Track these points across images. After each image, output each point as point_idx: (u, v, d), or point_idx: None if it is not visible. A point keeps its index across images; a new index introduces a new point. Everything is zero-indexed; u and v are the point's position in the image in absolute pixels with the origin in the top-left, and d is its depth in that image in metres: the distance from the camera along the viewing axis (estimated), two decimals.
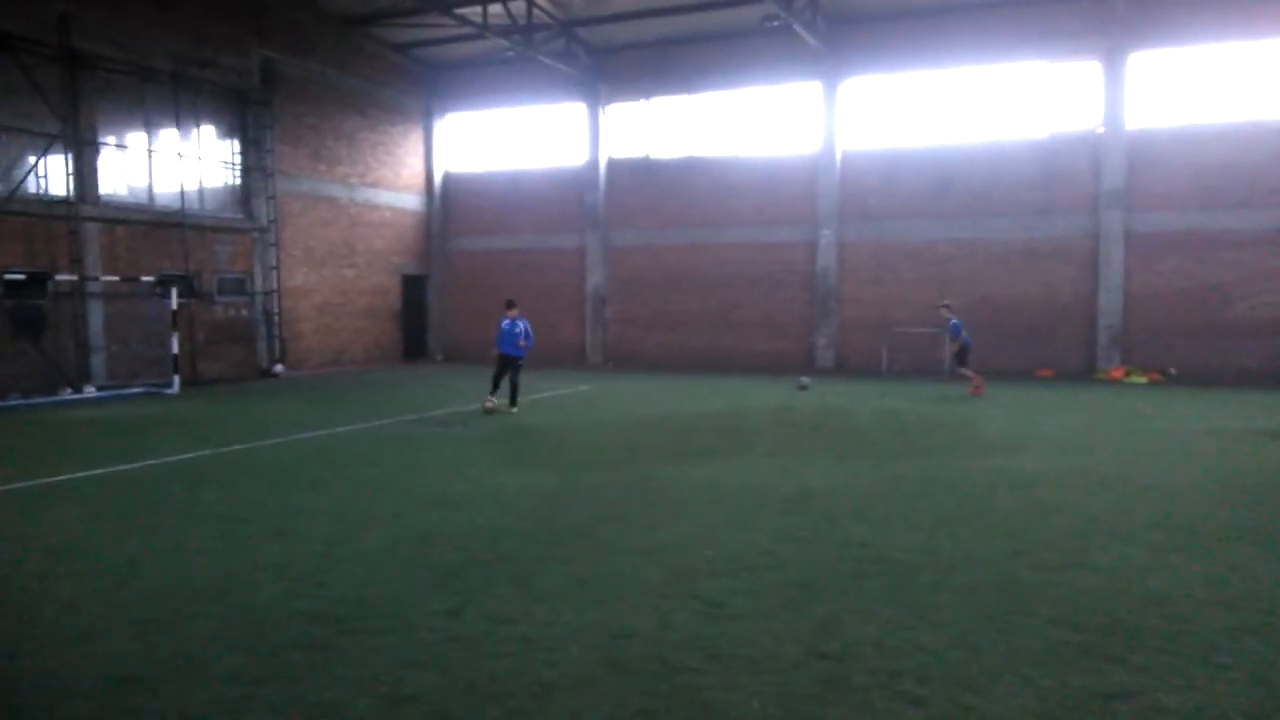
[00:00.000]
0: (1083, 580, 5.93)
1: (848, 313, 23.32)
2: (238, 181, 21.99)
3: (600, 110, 25.49)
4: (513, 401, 14.64)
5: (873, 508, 8.00)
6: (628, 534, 7.13)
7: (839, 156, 23.05)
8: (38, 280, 16.31)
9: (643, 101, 25.30)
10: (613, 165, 25.68)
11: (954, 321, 17.99)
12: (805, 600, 5.52)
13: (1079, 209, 21.11)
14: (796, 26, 20.54)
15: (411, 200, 27.15)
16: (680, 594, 5.64)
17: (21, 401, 15.89)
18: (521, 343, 14.59)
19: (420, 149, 27.44)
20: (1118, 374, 20.28)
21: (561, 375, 21.63)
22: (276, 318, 22.42)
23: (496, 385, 14.71)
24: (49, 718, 4.04)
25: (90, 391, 17.45)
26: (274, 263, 22.31)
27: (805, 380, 18.74)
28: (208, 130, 21.30)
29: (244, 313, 21.84)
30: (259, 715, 4.05)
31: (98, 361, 18.36)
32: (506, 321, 14.63)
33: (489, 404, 14.59)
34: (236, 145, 21.86)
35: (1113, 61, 20.59)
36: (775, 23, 20.49)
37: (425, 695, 4.23)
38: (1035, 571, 6.11)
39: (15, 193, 16.89)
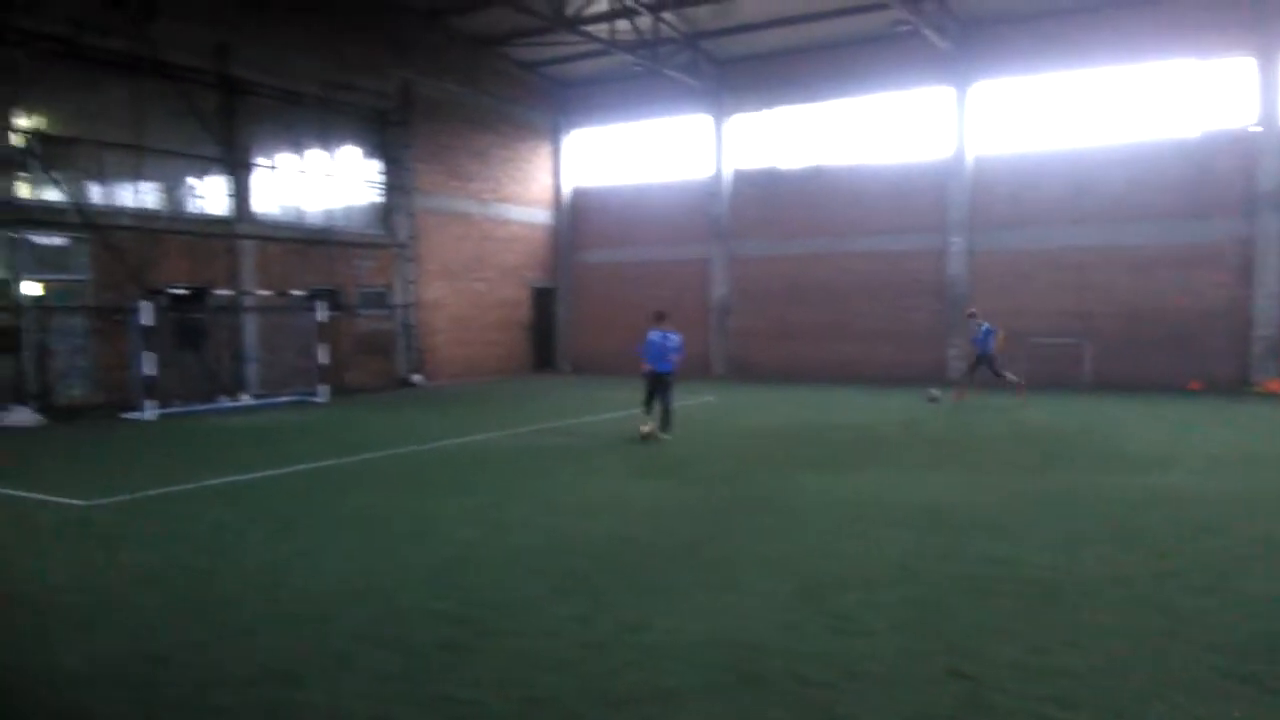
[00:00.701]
0: (1240, 605, 5.61)
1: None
2: (379, 199, 23.00)
3: (724, 122, 25.54)
4: (665, 425, 12.96)
5: (1009, 524, 7.75)
6: (754, 545, 7.13)
7: (970, 162, 22.42)
8: (199, 295, 17.45)
9: (766, 112, 25.22)
10: (737, 176, 25.68)
11: (985, 327, 17.72)
12: (939, 618, 5.41)
13: (1231, 212, 19.88)
14: (925, 30, 20.12)
15: (541, 215, 27.80)
16: (809, 607, 5.61)
17: (184, 409, 17.01)
18: (673, 357, 13.03)
19: (549, 164, 28.08)
20: (1275, 386, 18.99)
21: (686, 386, 21.67)
22: (414, 330, 23.31)
23: (650, 406, 13.09)
24: (215, 707, 4.33)
25: (245, 400, 18.54)
26: (412, 277, 23.23)
27: (935, 392, 18.10)
28: (351, 150, 22.39)
29: (385, 325, 22.82)
30: (404, 711, 4.23)
31: (252, 371, 19.50)
32: (657, 334, 13.06)
33: (644, 429, 12.93)
34: (377, 164, 22.88)
35: (1268, 57, 19.35)
36: (904, 28, 20.13)
37: (558, 699, 4.34)
38: (1187, 594, 5.81)
39: (179, 213, 18.13)
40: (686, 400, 18.12)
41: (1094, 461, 10.99)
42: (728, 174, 25.69)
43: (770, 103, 25.01)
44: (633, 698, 4.34)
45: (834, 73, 23.84)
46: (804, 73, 24.26)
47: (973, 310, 18.64)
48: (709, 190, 25.90)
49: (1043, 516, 8.03)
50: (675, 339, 13.13)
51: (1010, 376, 17.66)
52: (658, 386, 12.98)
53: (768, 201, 25.18)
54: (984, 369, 17.71)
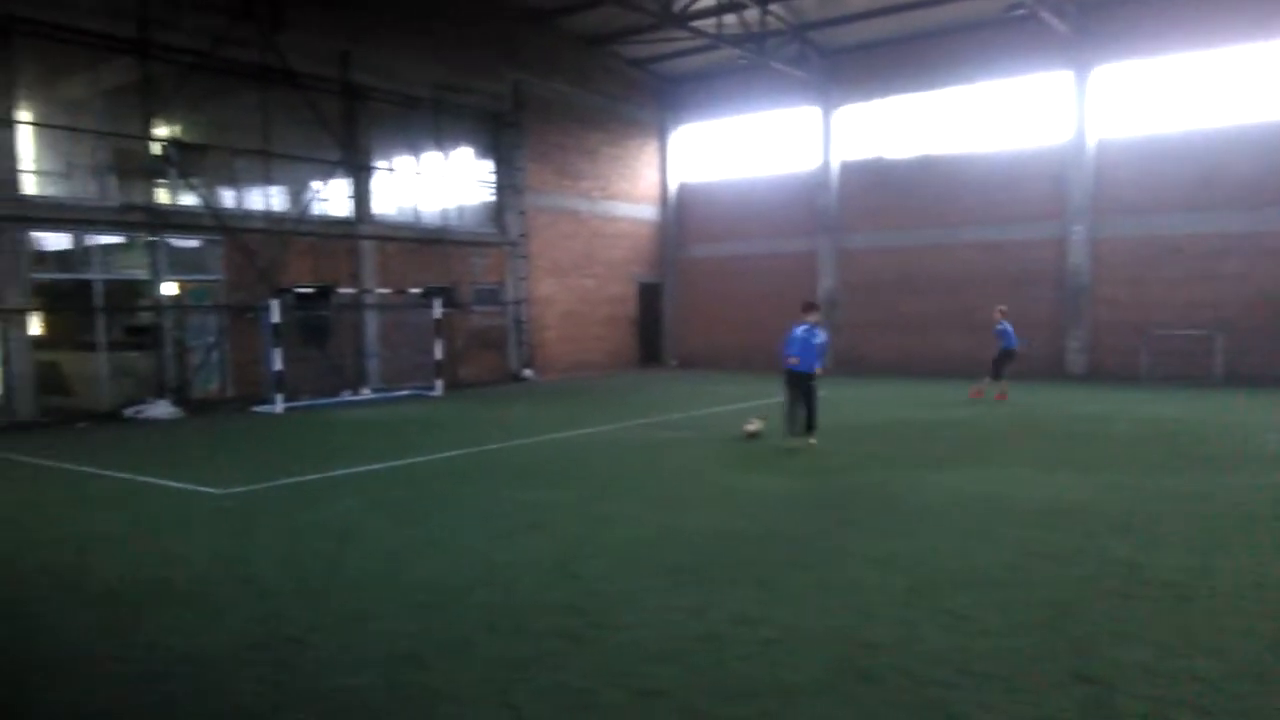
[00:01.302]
0: None
1: (1102, 314, 21.71)
2: (491, 198, 23.53)
3: (832, 113, 25.19)
4: (810, 427, 11.70)
5: (1136, 524, 7.46)
6: (866, 541, 7.05)
7: (1092, 147, 21.53)
8: (323, 293, 18.20)
9: (876, 102, 24.75)
10: (845, 168, 25.30)
11: (1001, 327, 17.48)
12: (1062, 619, 5.25)
13: None
14: (1044, 14, 19.40)
15: (648, 211, 27.96)
16: (924, 605, 5.53)
17: (310, 402, 17.78)
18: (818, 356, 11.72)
19: (656, 161, 28.21)
20: None
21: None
22: (525, 325, 23.78)
23: (795, 418, 11.75)
24: (346, 688, 4.55)
25: (366, 393, 19.26)
26: (523, 274, 23.70)
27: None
28: (464, 151, 22.97)
29: (497, 321, 23.35)
30: (522, 698, 4.36)
31: (373, 366, 20.24)
32: (802, 328, 11.64)
33: (749, 428, 12.48)
34: (490, 164, 23.41)
35: None
36: (1020, 12, 19.44)
37: (673, 691, 4.39)
38: None
39: (304, 215, 18.94)
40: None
41: (1227, 459, 10.46)
42: (835, 165, 25.33)
43: (879, 92, 24.54)
44: (749, 692, 4.37)
45: (945, 61, 23.23)
46: (914, 61, 23.71)
47: (1002, 308, 18.15)
48: (816, 182, 25.58)
49: (1172, 516, 7.70)
50: (821, 336, 11.81)
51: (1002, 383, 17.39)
52: (801, 387, 11.61)
53: (876, 192, 24.73)
54: (1006, 363, 17.39)
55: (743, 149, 27.42)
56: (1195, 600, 5.56)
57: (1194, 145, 20.32)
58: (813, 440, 11.71)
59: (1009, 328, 17.47)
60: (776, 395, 12.96)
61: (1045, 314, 22.37)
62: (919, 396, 17.82)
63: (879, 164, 24.78)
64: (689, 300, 28.51)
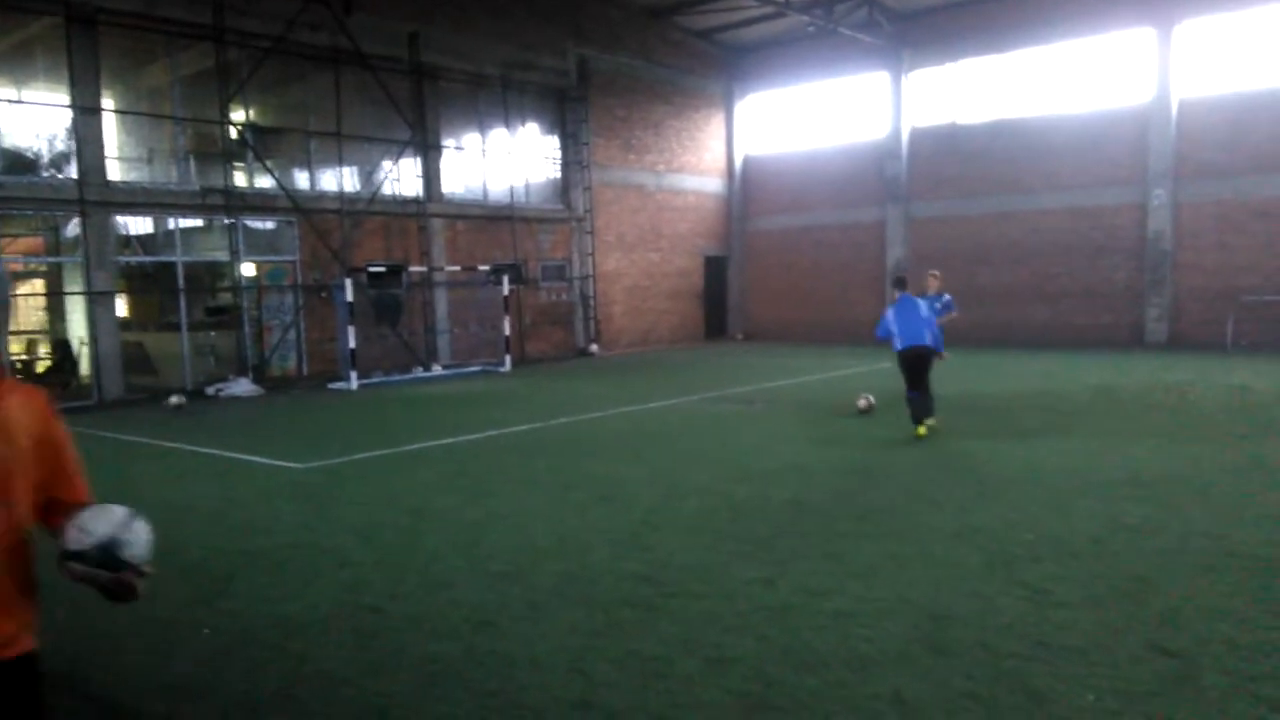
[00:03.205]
0: None
1: (1184, 281, 20.97)
2: (557, 174, 23.63)
3: (903, 78, 24.64)
4: (926, 413, 10.50)
5: (1219, 496, 7.25)
6: (939, 514, 6.98)
7: (1175, 106, 20.73)
8: (395, 271, 18.54)
9: (948, 66, 24.15)
10: (915, 134, 24.77)
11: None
12: (1142, 592, 5.15)
13: None
14: None
15: (713, 184, 27.78)
16: (1000, 578, 5.47)
17: (384, 379, 18.17)
18: (928, 328, 10.53)
19: (722, 132, 27.98)
20: None
21: (861, 352, 21.27)
22: (592, 300, 23.90)
23: (923, 402, 10.46)
24: (426, 654, 4.68)
25: (437, 370, 19.61)
26: (589, 249, 23.79)
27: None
28: (531, 128, 23.09)
29: (564, 297, 23.52)
30: (596, 665, 4.44)
31: (443, 343, 20.58)
32: (906, 300, 10.64)
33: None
34: (556, 140, 23.49)
35: None
36: None
37: (745, 660, 4.44)
38: None
39: (376, 195, 19.27)
40: (863, 367, 17.77)
41: None
42: (905, 133, 24.82)
43: (951, 56, 23.92)
44: (822, 661, 4.39)
45: (1020, 21, 22.53)
46: (986, 23, 23.05)
47: (934, 273, 14.38)
48: (885, 150, 25.11)
49: (1256, 488, 7.47)
50: (923, 305, 10.78)
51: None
52: (915, 365, 10.42)
53: (948, 159, 24.17)
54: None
55: (810, 118, 27.00)
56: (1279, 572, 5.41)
57: None
58: (933, 422, 10.60)
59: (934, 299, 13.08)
60: (844, 368, 12.82)
61: (1124, 282, 21.71)
62: (994, 367, 17.47)
63: (951, 130, 24.21)
64: (754, 273, 28.31)
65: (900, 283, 11.14)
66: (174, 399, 14.81)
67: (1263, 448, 9.13)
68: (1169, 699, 3.89)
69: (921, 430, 10.35)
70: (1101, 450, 9.24)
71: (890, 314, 10.65)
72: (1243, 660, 4.22)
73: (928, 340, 10.42)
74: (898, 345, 10.54)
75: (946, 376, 12.37)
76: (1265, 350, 18.75)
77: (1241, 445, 9.30)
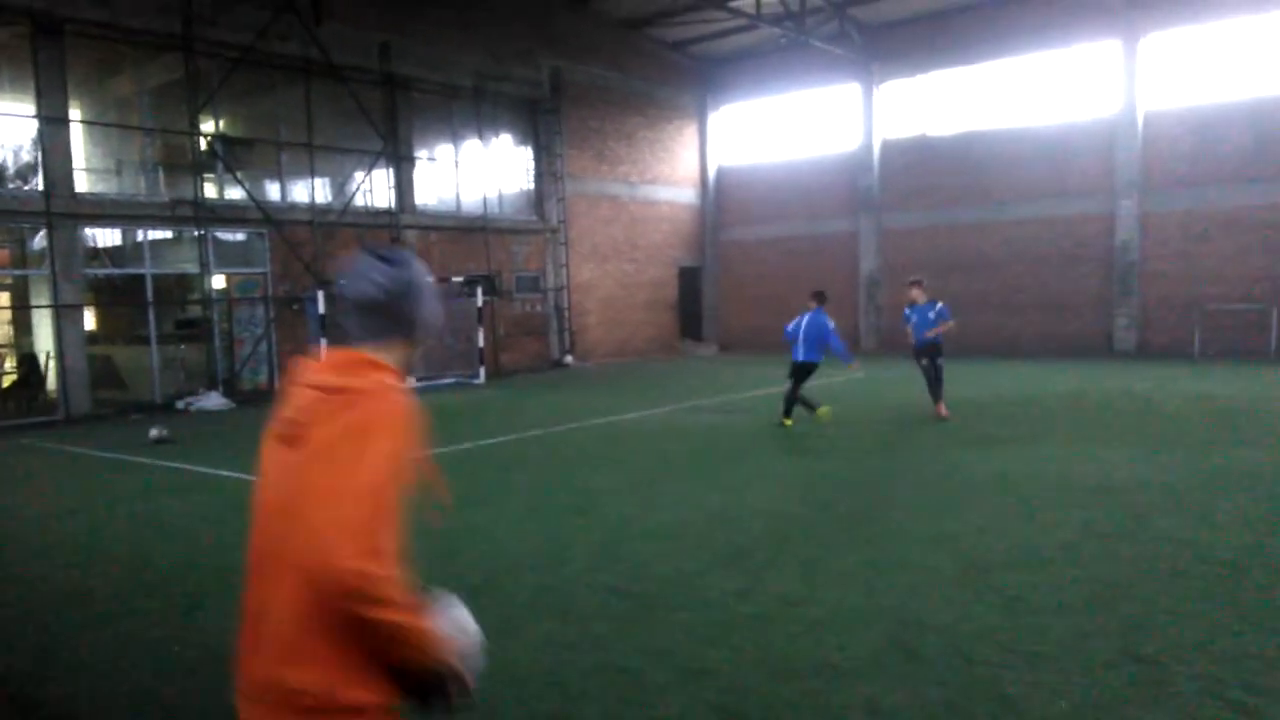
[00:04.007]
0: None
1: (1152, 290, 21.28)
2: (531, 186, 23.62)
3: (873, 90, 24.89)
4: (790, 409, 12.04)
5: (1189, 502, 7.34)
6: (913, 522, 7.02)
7: (1140, 118, 21.06)
8: None
9: (918, 78, 24.41)
10: (886, 146, 25.01)
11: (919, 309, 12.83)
12: (1113, 598, 5.20)
13: None
14: None
15: (687, 194, 27.89)
16: (974, 585, 5.50)
17: None
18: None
19: (695, 143, 28.11)
20: None
21: (834, 362, 21.40)
22: (566, 312, 23.88)
23: (793, 398, 12.02)
24: None
25: (410, 382, 19.43)
26: (564, 260, 23.79)
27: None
28: (504, 139, 23.08)
29: (538, 308, 23.48)
30: (572, 677, 4.42)
31: (416, 355, 20.44)
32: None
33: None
34: (529, 152, 23.49)
35: None
36: None
37: (720, 670, 4.43)
38: None
39: (348, 206, 19.16)
40: (837, 376, 17.85)
41: None
42: (876, 144, 25.05)
43: (921, 68, 24.20)
44: (796, 671, 4.39)
45: (988, 34, 22.84)
46: (956, 35, 23.34)
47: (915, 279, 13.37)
48: (857, 162, 25.33)
49: (1226, 494, 7.56)
50: (824, 322, 11.91)
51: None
52: (800, 373, 11.91)
53: (919, 170, 24.42)
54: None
55: (782, 130, 27.21)
56: (1249, 577, 5.48)
57: (1246, 114, 19.80)
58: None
59: (927, 309, 12.60)
60: (823, 377, 12.92)
61: (1093, 292, 22.00)
62: (965, 377, 17.60)
63: (921, 141, 24.46)
64: (729, 284, 28.42)
65: (819, 296, 12.22)
66: (154, 432, 12.52)
67: (1231, 454, 9.26)
68: (1141, 705, 3.92)
69: (788, 422, 11.92)
70: (1072, 458, 9.33)
71: (801, 320, 12.00)
72: (1213, 665, 4.27)
73: (816, 358, 11.93)
74: (795, 355, 11.93)
75: (919, 385, 12.48)
76: (1231, 358, 19.04)
77: (1210, 452, 9.42)
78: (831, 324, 12.05)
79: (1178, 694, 4.00)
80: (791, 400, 12.05)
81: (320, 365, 1.84)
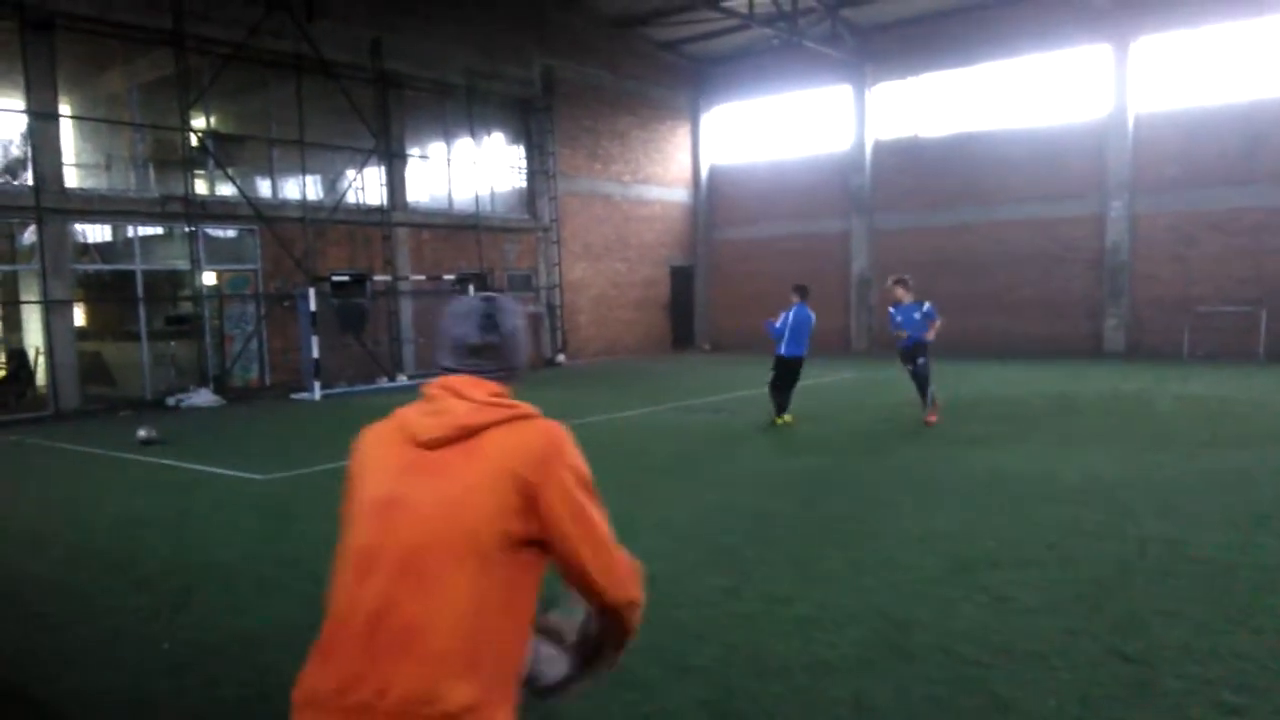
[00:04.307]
0: None
1: (1141, 292, 21.37)
2: (523, 184, 23.61)
3: (866, 92, 24.93)
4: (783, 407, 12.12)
5: (1176, 502, 7.38)
6: (902, 521, 7.04)
7: (1131, 121, 21.15)
8: (359, 281, 18.39)
9: (911, 79, 24.47)
10: (878, 147, 25.06)
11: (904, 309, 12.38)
12: (1101, 598, 5.23)
13: None
14: None
15: (679, 194, 27.90)
16: (961, 584, 5.52)
17: (347, 389, 18.00)
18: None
19: (687, 143, 28.12)
20: None
21: (824, 362, 21.45)
22: (558, 310, 23.88)
23: (780, 398, 12.10)
24: None
25: (403, 380, 19.45)
26: (556, 259, 23.78)
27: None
28: (496, 138, 23.06)
29: (530, 306, 23.46)
30: None
31: (408, 353, 20.44)
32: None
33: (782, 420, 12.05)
34: (521, 150, 23.48)
35: None
36: None
37: (709, 667, 4.44)
38: None
39: (339, 204, 19.12)
40: (824, 377, 17.90)
41: (1270, 437, 10.29)
42: (869, 145, 25.10)
43: (913, 70, 24.24)
44: (785, 668, 4.40)
45: (980, 36, 22.89)
46: (949, 37, 23.39)
47: (897, 277, 12.95)
48: (849, 163, 25.37)
49: (1213, 494, 7.61)
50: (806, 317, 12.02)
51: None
52: (788, 371, 11.98)
53: (911, 171, 24.47)
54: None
55: (774, 130, 27.23)
56: (1237, 577, 5.51)
57: (1236, 118, 19.89)
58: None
59: (913, 309, 12.25)
60: (806, 378, 12.94)
61: (1083, 293, 22.09)
62: (955, 377, 17.65)
63: (913, 143, 24.52)
64: (721, 283, 28.43)
65: (802, 291, 12.16)
66: (143, 432, 11.82)
67: (1219, 455, 9.31)
68: (1128, 703, 3.95)
69: (781, 420, 11.90)
70: (1061, 457, 9.37)
71: (788, 316, 11.94)
72: (1199, 664, 4.30)
73: (801, 353, 11.90)
74: (780, 350, 11.91)
75: (909, 385, 12.50)
76: (1220, 360, 19.14)
77: (1198, 452, 9.48)
78: (813, 318, 12.16)
79: (1165, 693, 4.03)
80: (786, 397, 12.04)
81: (471, 390, 1.94)
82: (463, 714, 1.67)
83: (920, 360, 11.99)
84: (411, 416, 1.93)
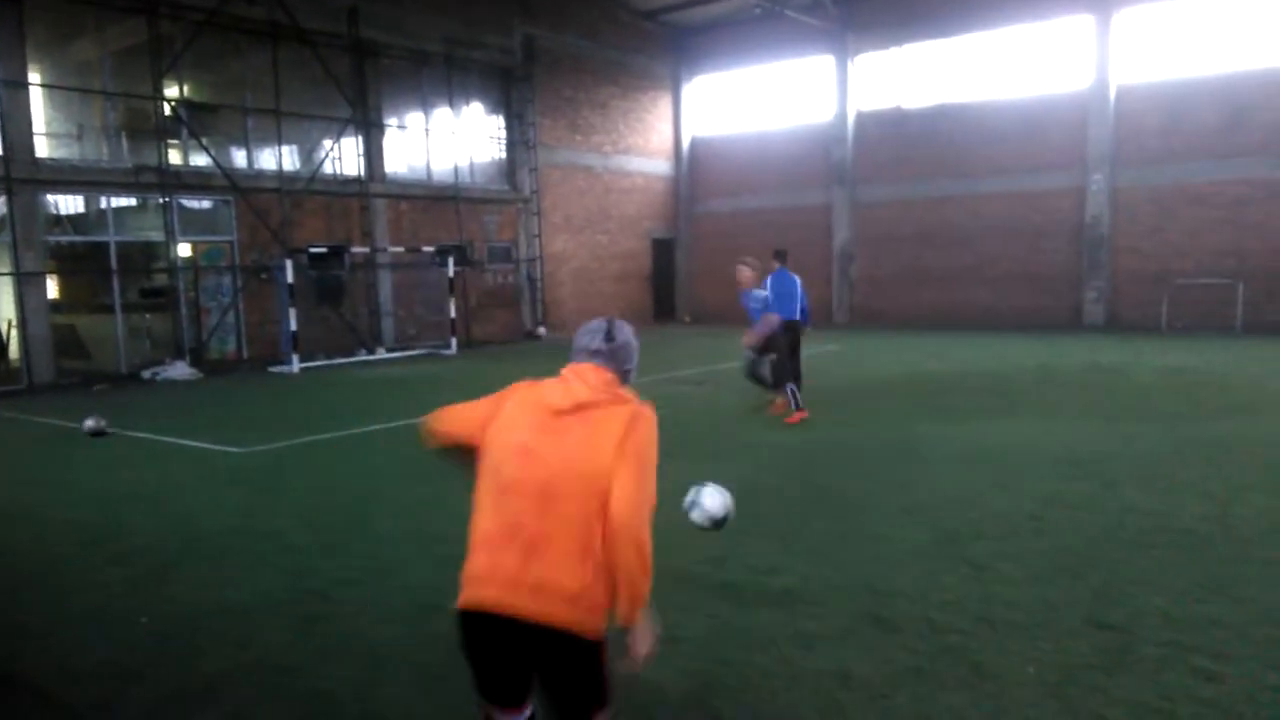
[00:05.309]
0: None
1: (1121, 264, 21.50)
2: (503, 155, 23.39)
3: (849, 62, 24.80)
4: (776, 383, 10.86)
5: (1156, 473, 7.44)
6: (885, 493, 7.07)
7: (1113, 93, 21.17)
8: (336, 253, 18.22)
9: (893, 50, 24.36)
10: (861, 118, 24.98)
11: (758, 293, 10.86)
12: (1081, 568, 5.27)
13: None
14: None
15: (661, 166, 27.75)
16: (945, 555, 5.55)
17: (326, 362, 17.87)
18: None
19: (669, 114, 27.93)
20: None
21: (808, 334, 21.47)
22: (539, 283, 23.75)
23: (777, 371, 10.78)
24: (375, 639, 4.62)
25: (381, 353, 19.34)
26: (536, 231, 23.63)
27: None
28: (475, 108, 22.80)
29: (510, 279, 23.34)
30: None
31: (387, 325, 20.30)
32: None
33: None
34: (501, 120, 23.24)
35: None
36: None
37: (695, 639, 4.44)
38: None
39: (316, 174, 18.88)
40: (809, 349, 17.88)
41: (1252, 408, 10.40)
42: (851, 116, 25.01)
43: (896, 40, 24.13)
44: (770, 639, 4.42)
45: (964, 7, 22.80)
46: (931, 8, 23.28)
47: (746, 260, 11.54)
48: (831, 134, 25.29)
49: (1193, 465, 7.68)
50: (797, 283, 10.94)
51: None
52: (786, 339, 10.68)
53: (893, 143, 24.43)
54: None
55: (756, 101, 27.09)
56: (1214, 547, 5.57)
57: (1217, 90, 19.95)
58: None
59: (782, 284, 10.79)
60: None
61: (1064, 266, 22.19)
62: (938, 349, 17.74)
63: (896, 114, 24.45)
64: (702, 255, 28.36)
65: (780, 255, 11.07)
66: (90, 422, 10.67)
67: (1196, 427, 9.40)
68: (1106, 670, 3.98)
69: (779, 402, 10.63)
70: (1042, 430, 9.43)
71: (766, 284, 10.65)
72: (1177, 632, 4.34)
73: (792, 317, 10.53)
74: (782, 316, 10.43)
75: (892, 357, 12.52)
76: (1198, 332, 19.31)
77: (1176, 424, 9.56)
78: (797, 280, 10.89)
79: (1143, 660, 4.07)
80: (794, 375, 10.61)
81: (596, 377, 2.68)
82: (579, 594, 2.40)
83: (767, 356, 10.62)
84: (548, 390, 2.67)
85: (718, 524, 4.15)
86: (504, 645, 2.50)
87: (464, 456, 2.77)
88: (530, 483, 2.49)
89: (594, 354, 2.75)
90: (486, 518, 2.54)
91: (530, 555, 2.43)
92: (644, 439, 2.58)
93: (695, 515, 4.19)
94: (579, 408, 2.58)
